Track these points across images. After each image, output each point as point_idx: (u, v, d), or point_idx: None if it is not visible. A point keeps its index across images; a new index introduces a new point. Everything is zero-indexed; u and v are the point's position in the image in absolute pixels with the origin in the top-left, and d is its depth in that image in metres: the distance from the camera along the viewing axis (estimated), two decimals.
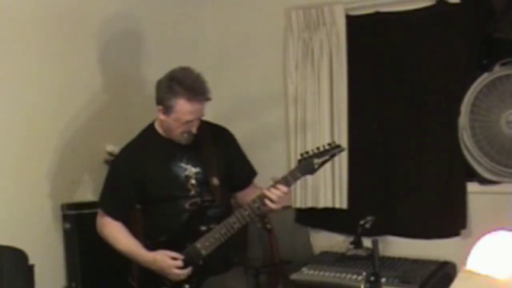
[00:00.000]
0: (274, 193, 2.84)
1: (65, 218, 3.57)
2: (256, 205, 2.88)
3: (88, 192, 3.69)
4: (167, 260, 2.89)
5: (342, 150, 2.99)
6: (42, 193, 3.55)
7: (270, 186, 2.86)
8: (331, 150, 2.92)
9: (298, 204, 4.09)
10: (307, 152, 2.92)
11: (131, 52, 4.04)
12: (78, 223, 3.53)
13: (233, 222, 2.89)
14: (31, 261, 3.15)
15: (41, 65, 3.54)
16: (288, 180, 2.87)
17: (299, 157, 2.94)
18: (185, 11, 4.39)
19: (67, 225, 3.56)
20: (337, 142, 3.10)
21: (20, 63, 3.44)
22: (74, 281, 3.56)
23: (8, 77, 3.39)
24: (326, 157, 2.91)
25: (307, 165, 2.88)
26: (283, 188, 2.85)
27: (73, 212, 3.56)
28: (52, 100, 3.59)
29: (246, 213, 2.89)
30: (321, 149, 2.91)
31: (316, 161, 2.88)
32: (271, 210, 2.92)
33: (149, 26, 4.11)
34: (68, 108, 3.68)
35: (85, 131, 3.74)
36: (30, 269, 3.16)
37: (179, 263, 2.89)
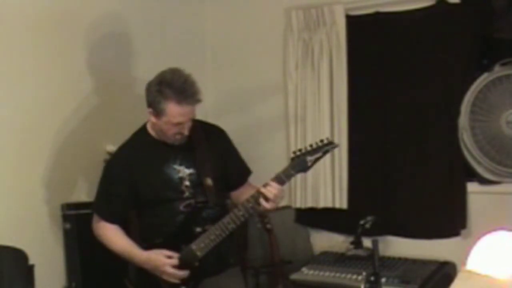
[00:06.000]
0: (268, 192, 2.82)
1: (65, 218, 3.57)
2: (250, 205, 2.85)
3: (88, 192, 3.68)
4: (161, 258, 2.87)
5: (335, 146, 2.94)
6: (42, 193, 3.55)
7: (263, 185, 2.84)
8: (324, 147, 2.87)
9: (298, 204, 4.09)
10: (299, 150, 2.88)
11: (129, 51, 4.02)
12: (78, 223, 3.52)
13: (228, 222, 2.87)
14: (31, 261, 3.15)
15: (37, 65, 3.52)
16: (281, 178, 2.84)
17: (291, 155, 2.91)
18: (185, 11, 4.38)
19: (67, 225, 3.56)
20: (336, 141, 3.08)
21: (15, 64, 3.43)
22: (74, 281, 3.56)
23: (3, 79, 3.38)
24: (319, 154, 2.86)
25: (300, 162, 2.85)
26: (276, 186, 2.82)
27: (73, 212, 3.56)
28: (49, 100, 3.58)
29: (241, 213, 2.86)
30: (314, 146, 2.87)
31: (309, 158, 2.84)
32: (266, 210, 2.89)
33: (151, 26, 4.12)
34: (68, 107, 3.67)
35: (85, 130, 3.73)
36: (30, 269, 3.16)
37: (175, 261, 2.87)
